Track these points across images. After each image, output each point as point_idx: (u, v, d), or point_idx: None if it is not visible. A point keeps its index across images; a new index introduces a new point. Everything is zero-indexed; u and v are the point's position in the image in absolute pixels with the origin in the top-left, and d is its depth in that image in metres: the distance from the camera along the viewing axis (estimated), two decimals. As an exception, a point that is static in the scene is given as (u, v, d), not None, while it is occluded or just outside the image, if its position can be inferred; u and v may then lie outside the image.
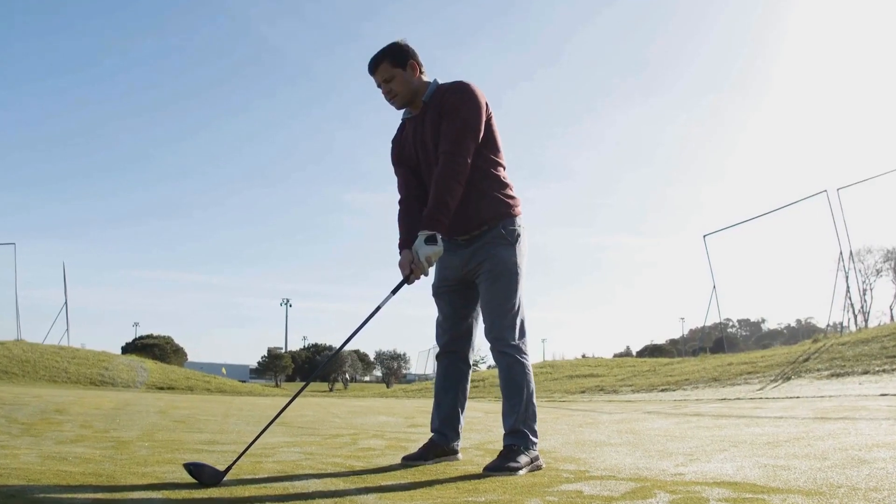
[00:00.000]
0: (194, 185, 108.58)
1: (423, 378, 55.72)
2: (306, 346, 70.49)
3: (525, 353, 3.16)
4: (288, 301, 74.76)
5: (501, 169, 3.22)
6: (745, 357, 14.61)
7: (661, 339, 73.18)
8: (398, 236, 3.21)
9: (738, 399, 8.72)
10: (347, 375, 54.64)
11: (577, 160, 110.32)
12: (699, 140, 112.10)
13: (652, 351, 61.30)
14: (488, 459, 3.39)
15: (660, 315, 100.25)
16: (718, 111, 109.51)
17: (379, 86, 3.22)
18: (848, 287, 15.71)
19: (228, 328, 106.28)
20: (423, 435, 4.97)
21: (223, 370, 31.12)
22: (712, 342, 35.25)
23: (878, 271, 27.43)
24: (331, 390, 44.84)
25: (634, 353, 63.31)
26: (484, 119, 3.12)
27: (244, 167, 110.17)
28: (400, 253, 3.12)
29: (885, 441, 3.47)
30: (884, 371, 8.76)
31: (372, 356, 64.86)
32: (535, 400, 3.18)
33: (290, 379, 57.58)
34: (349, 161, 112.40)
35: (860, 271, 17.48)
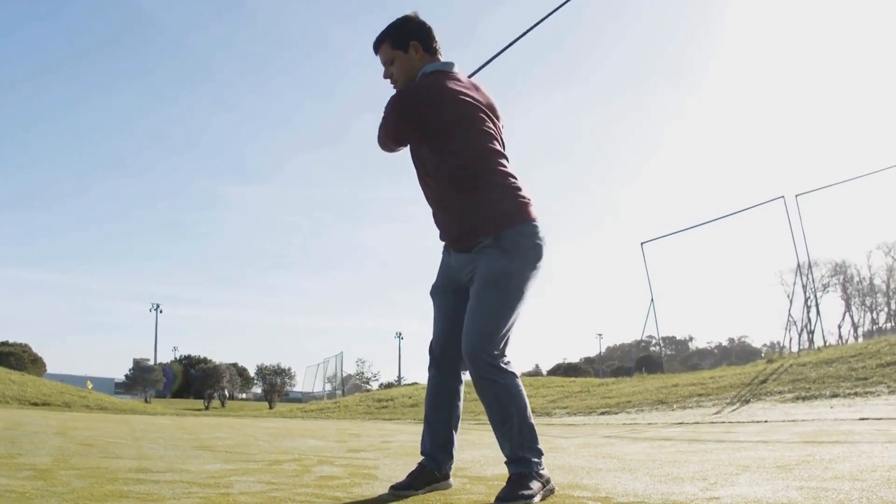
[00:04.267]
0: (50, 174, 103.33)
1: (310, 396, 55.29)
2: (178, 357, 69.03)
3: (505, 372, 3.16)
4: (158, 306, 72.51)
5: (486, 172, 3.20)
6: (692, 378, 15.29)
7: (574, 358, 75.03)
8: None
9: (698, 423, 9.16)
10: (226, 392, 53.46)
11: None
12: (621, 135, 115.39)
13: (566, 370, 62.60)
14: (481, 487, 3.49)
15: (572, 331, 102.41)
16: (645, 103, 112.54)
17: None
18: (806, 302, 16.66)
19: (89, 335, 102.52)
20: (373, 461, 5.03)
21: (88, 383, 30.14)
22: (634, 361, 36.53)
23: (825, 287, 29.21)
24: (207, 408, 43.86)
25: (545, 372, 64.77)
26: (405, 126, 3.19)
27: (107, 154, 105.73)
28: None
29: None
30: (856, 394, 9.43)
31: (252, 371, 63.93)
32: (529, 413, 3.21)
33: (160, 395, 56.12)
34: (226, 149, 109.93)
35: (801, 286, 18.57)
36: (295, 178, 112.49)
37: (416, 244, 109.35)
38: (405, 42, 3.26)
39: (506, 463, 3.20)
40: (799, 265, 17.19)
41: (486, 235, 3.16)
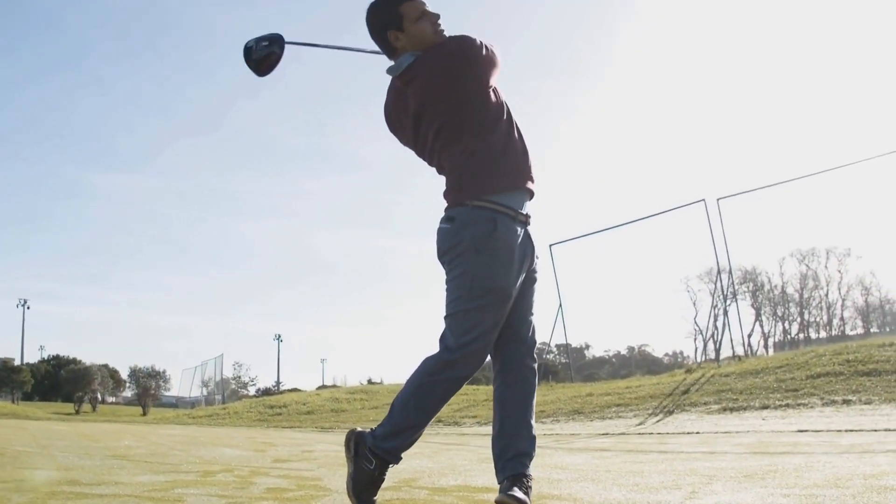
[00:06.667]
0: None
1: (185, 402, 54.13)
2: (45, 357, 67.40)
3: None
4: (25, 302, 69.54)
5: None
6: (606, 387, 15.74)
7: (462, 364, 76.20)
8: None
9: (625, 434, 9.43)
10: (98, 395, 51.87)
11: (368, 149, 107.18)
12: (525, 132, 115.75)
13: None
14: (450, 499, 3.53)
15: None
16: (542, 97, 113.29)
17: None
18: (725, 309, 17.36)
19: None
20: (311, 471, 5.03)
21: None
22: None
23: (734, 294, 30.50)
24: (77, 412, 42.46)
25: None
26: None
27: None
28: None
29: (880, 472, 4.03)
30: (787, 406, 9.92)
31: (124, 373, 62.45)
32: None
33: (27, 397, 54.33)
34: (98, 135, 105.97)
35: (711, 293, 19.41)
36: (170, 168, 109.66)
37: (296, 241, 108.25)
38: None
39: (523, 461, 3.23)
40: (720, 271, 17.89)
41: None
